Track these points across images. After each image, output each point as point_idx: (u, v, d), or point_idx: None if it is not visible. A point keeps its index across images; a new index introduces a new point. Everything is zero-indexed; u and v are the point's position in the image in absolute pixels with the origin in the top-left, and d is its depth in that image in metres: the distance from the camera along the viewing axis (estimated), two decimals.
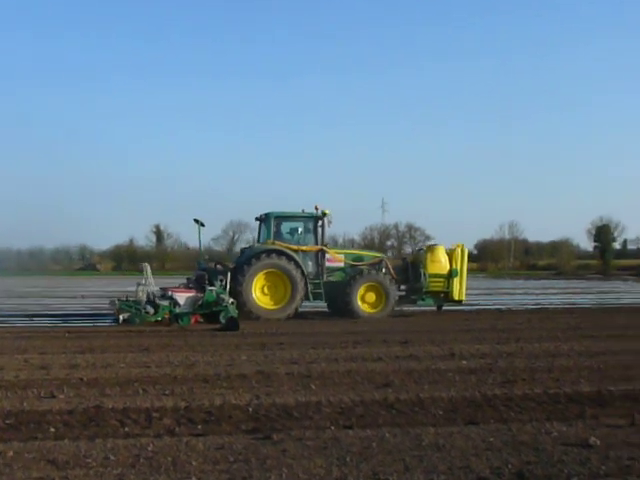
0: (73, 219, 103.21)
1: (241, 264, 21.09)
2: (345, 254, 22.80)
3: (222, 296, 19.04)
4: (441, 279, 22.53)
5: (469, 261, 24.02)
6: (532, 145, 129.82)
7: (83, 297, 33.32)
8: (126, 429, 7.36)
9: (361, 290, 21.41)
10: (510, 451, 6.53)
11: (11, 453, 6.41)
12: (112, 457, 6.33)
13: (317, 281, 21.61)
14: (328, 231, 22.55)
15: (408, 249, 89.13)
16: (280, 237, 21.87)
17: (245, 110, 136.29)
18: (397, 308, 22.19)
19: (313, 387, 9.64)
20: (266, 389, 9.53)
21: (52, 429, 7.30)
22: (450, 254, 22.84)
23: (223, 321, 18.37)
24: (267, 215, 22.12)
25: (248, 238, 78.11)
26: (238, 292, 20.21)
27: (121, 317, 18.16)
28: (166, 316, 18.67)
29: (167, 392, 9.29)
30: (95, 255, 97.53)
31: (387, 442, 6.87)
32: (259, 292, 20.92)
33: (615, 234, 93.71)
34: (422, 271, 22.24)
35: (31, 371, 11.00)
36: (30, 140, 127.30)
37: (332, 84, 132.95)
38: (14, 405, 8.43)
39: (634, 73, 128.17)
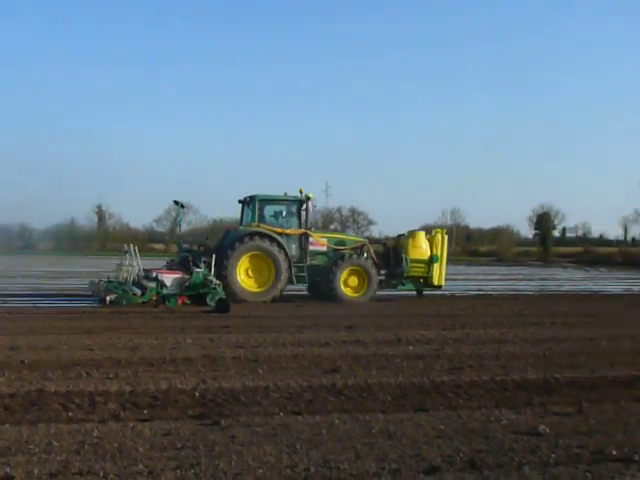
0: (13, 197, 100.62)
1: (225, 247, 20.92)
2: (328, 238, 22.84)
3: (209, 278, 18.97)
4: (422, 264, 22.77)
5: None
6: (475, 132, 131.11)
7: None
8: (70, 414, 7.15)
9: (344, 274, 21.46)
10: (461, 439, 6.51)
11: None
12: (55, 443, 6.13)
13: (301, 264, 21.60)
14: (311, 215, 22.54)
15: (351, 233, 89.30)
16: (264, 220, 21.77)
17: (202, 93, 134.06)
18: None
19: (260, 372, 9.54)
20: (212, 373, 9.39)
21: None
22: (430, 240, 23.05)
23: (211, 303, 18.34)
24: (252, 197, 21.97)
25: (190, 219, 77.73)
26: (222, 275, 20.03)
27: (108, 298, 17.94)
28: (153, 298, 18.53)
29: (111, 376, 9.08)
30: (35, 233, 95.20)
31: (337, 429, 6.80)
32: (244, 275, 20.83)
33: (555, 222, 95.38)
34: (403, 256, 22.41)
35: None
36: None
37: (279, 69, 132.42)
38: None
39: (577, 58, 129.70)
